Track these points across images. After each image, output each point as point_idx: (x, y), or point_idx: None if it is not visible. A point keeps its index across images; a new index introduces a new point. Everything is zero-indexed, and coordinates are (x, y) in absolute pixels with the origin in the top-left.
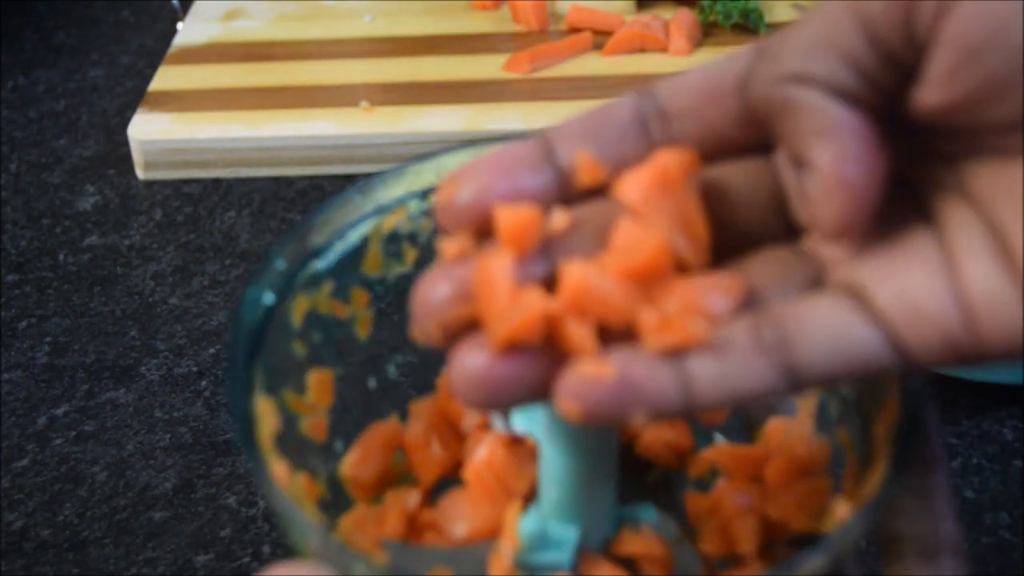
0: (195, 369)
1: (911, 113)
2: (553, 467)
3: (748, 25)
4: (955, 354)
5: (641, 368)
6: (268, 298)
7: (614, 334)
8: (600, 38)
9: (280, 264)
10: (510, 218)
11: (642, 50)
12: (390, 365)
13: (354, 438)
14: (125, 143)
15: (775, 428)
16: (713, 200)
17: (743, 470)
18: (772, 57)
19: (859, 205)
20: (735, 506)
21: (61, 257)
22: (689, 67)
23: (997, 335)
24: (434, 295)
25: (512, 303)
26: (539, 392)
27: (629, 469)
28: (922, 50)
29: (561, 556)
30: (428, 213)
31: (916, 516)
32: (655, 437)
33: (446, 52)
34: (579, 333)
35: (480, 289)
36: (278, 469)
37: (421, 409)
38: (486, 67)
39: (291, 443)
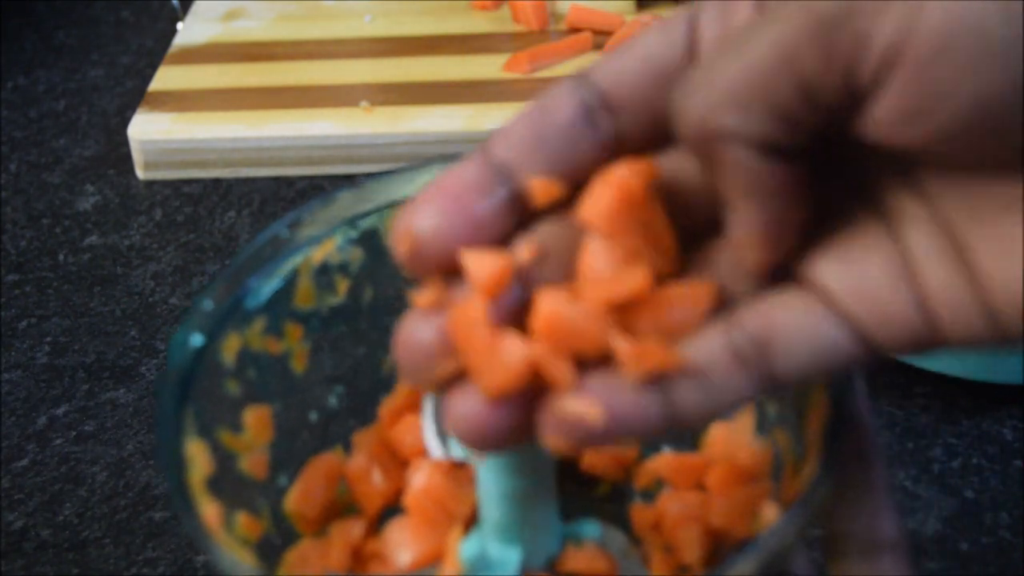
0: None
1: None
2: (490, 489)
3: None
4: (921, 346)
5: (624, 398)
6: (196, 340)
7: (589, 356)
8: (600, 38)
9: (208, 305)
10: (480, 268)
11: None
12: (331, 396)
13: (298, 472)
14: (125, 143)
15: (718, 434)
16: (666, 194)
17: (686, 479)
18: (702, 87)
19: (779, 252)
20: (677, 515)
21: (61, 257)
22: None
23: (959, 335)
24: (419, 346)
25: (493, 351)
26: (533, 430)
27: (576, 484)
28: (863, 99)
29: None
30: (357, 241)
31: (856, 513)
32: (598, 451)
33: (446, 52)
34: (559, 369)
35: (459, 337)
36: (209, 514)
37: (363, 440)
38: (486, 67)
39: (229, 483)
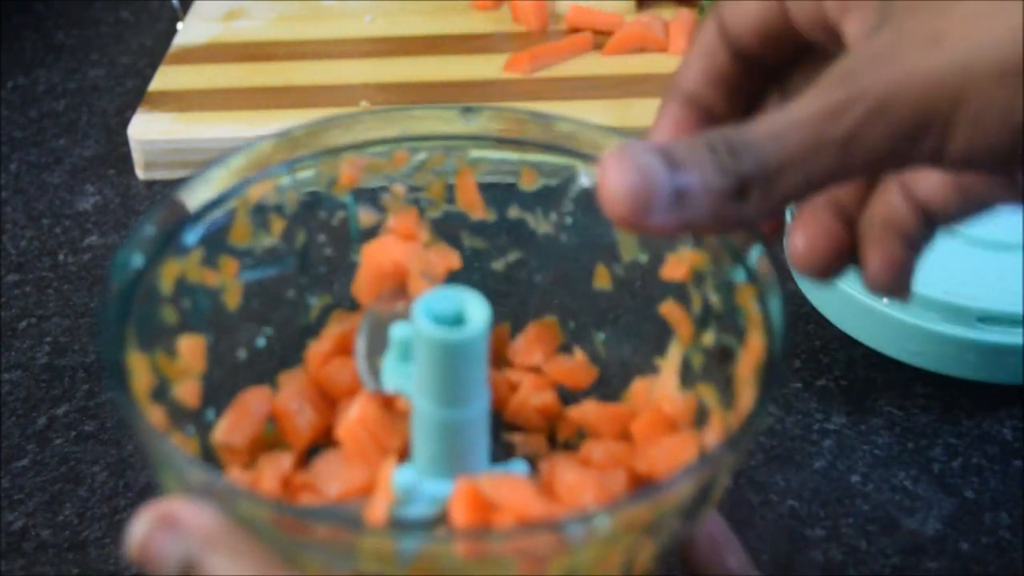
0: None
1: None
2: (426, 425)
3: None
4: None
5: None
6: (137, 260)
7: None
8: (600, 38)
9: (149, 230)
10: None
11: (642, 50)
12: (259, 337)
13: (225, 407)
14: (125, 143)
15: (639, 388)
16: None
17: (609, 428)
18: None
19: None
20: (602, 461)
21: (61, 257)
22: None
23: None
24: None
25: None
26: None
27: (500, 433)
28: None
29: (435, 510)
30: (294, 187)
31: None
32: (523, 402)
33: (446, 52)
34: None
35: None
36: (155, 415)
37: (289, 379)
38: (486, 67)
39: (165, 405)
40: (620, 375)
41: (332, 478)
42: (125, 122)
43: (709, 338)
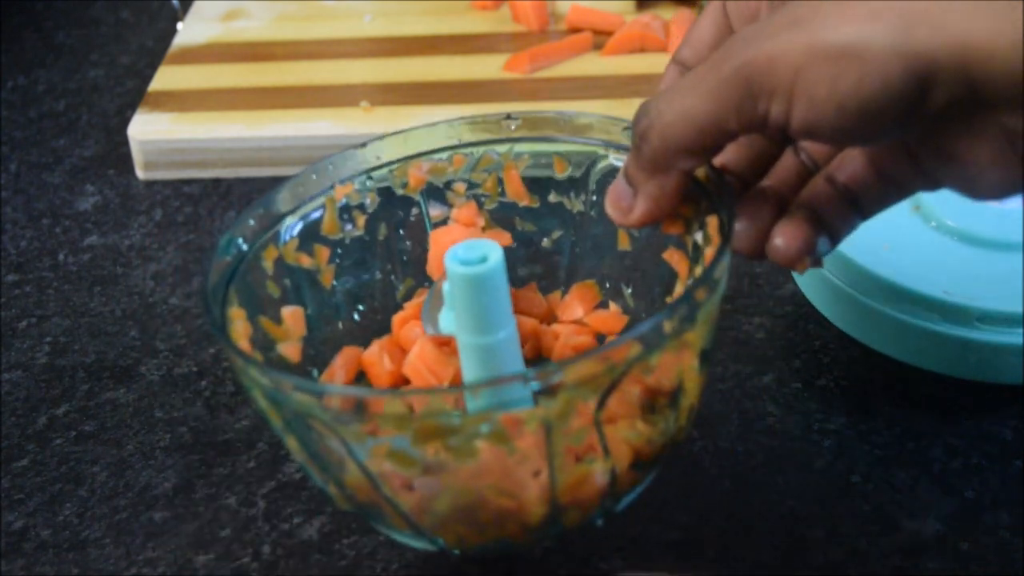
0: (195, 369)
1: None
2: (468, 353)
3: None
4: None
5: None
6: (240, 242)
7: None
8: (600, 38)
9: (251, 221)
10: None
11: (642, 50)
12: (354, 313)
13: (326, 366)
14: (125, 143)
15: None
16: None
17: None
18: (663, 114)
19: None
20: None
21: (61, 257)
22: None
23: None
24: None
25: None
26: None
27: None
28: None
29: None
30: (373, 189)
31: None
32: (564, 344)
33: (446, 52)
34: None
35: None
36: (243, 343)
37: (378, 342)
38: (486, 67)
39: (268, 362)
40: (645, 318)
41: None
42: (125, 122)
43: (698, 271)
